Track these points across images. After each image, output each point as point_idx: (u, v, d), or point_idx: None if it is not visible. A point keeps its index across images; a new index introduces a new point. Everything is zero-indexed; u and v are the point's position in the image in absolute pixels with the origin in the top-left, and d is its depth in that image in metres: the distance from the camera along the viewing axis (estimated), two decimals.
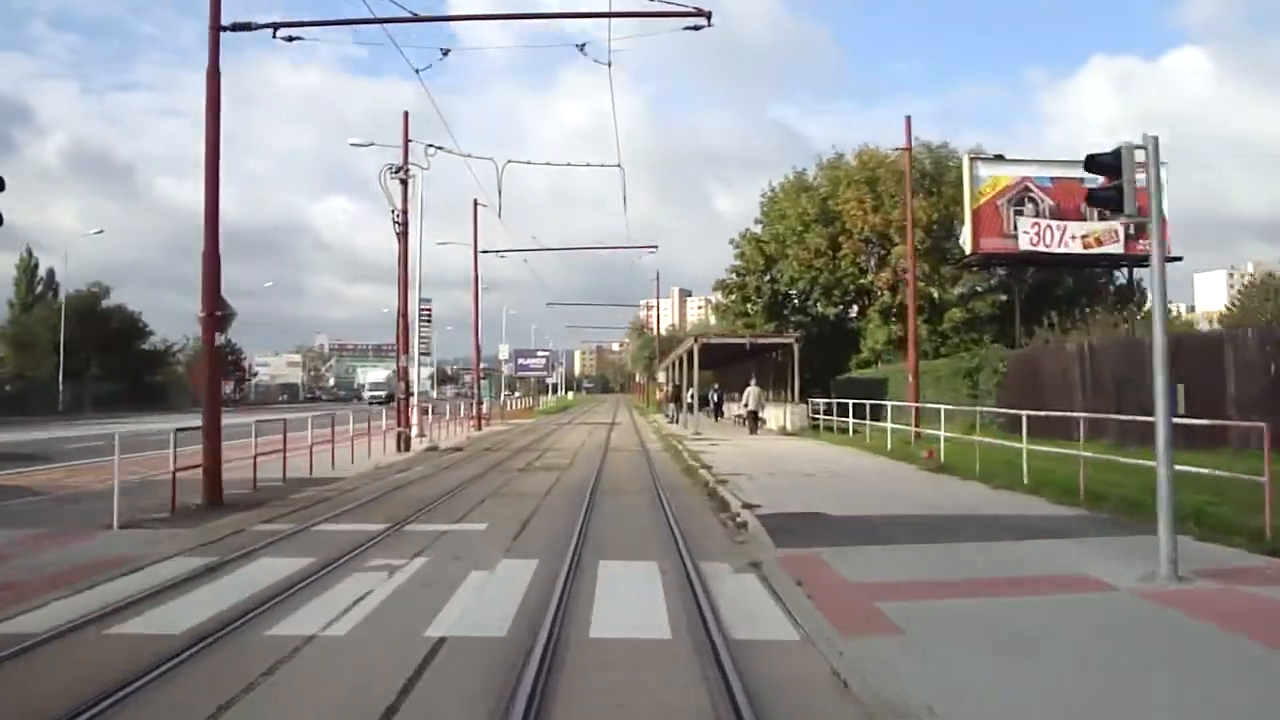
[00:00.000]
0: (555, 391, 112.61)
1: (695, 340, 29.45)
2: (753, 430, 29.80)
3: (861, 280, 38.38)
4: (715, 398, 39.27)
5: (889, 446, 20.65)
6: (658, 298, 64.93)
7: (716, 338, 32.41)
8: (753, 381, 31.29)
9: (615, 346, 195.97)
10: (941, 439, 17.41)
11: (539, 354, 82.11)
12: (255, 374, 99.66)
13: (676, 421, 38.31)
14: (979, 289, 37.61)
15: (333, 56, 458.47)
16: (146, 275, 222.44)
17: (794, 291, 40.11)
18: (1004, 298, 37.52)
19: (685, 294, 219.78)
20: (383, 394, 73.41)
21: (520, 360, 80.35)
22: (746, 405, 30.44)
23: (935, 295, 36.96)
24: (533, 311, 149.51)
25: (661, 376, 58.91)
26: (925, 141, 39.60)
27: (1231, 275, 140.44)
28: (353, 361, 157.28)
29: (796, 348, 29.51)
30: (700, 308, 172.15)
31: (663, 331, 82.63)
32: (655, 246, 35.86)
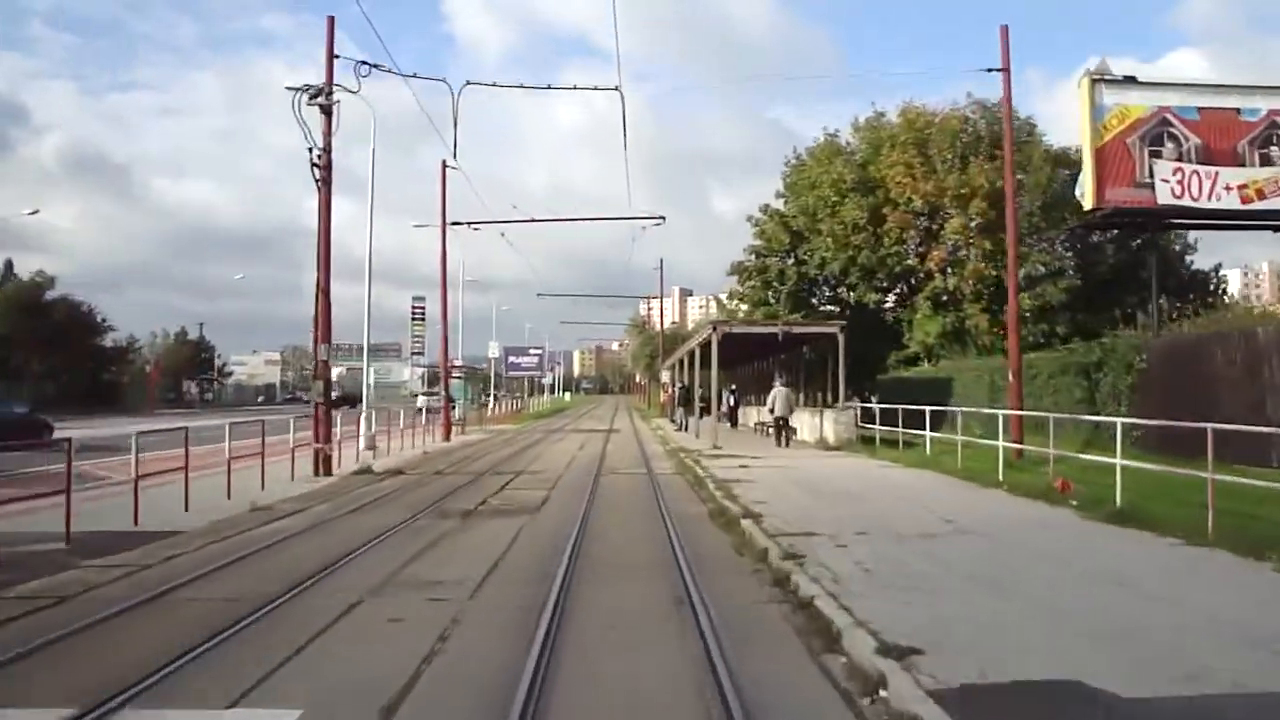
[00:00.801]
0: (551, 392, 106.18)
1: (714, 329, 23.29)
2: (782, 442, 23.75)
3: (908, 261, 32.12)
4: (731, 401, 33.12)
5: (999, 475, 14.48)
6: (661, 287, 58.85)
7: (741, 326, 26.21)
8: (779, 381, 25.21)
9: (615, 346, 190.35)
10: (1119, 470, 11.25)
11: (531, 352, 75.59)
12: (230, 374, 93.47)
13: (685, 429, 32.22)
14: (1043, 268, 31.41)
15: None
16: (144, 275, 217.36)
17: (826, 274, 33.77)
18: (1079, 282, 31.41)
19: (686, 293, 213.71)
20: (332, 395, 66.06)
21: (511, 359, 73.80)
22: (773, 411, 24.32)
23: (998, 278, 30.80)
24: (530, 314, 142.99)
25: (665, 376, 52.75)
26: (979, 99, 33.54)
27: (1246, 274, 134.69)
28: (344, 361, 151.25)
29: (842, 339, 23.38)
30: (702, 307, 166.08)
31: (665, 329, 76.51)
32: (662, 218, 29.71)
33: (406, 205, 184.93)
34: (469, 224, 29.71)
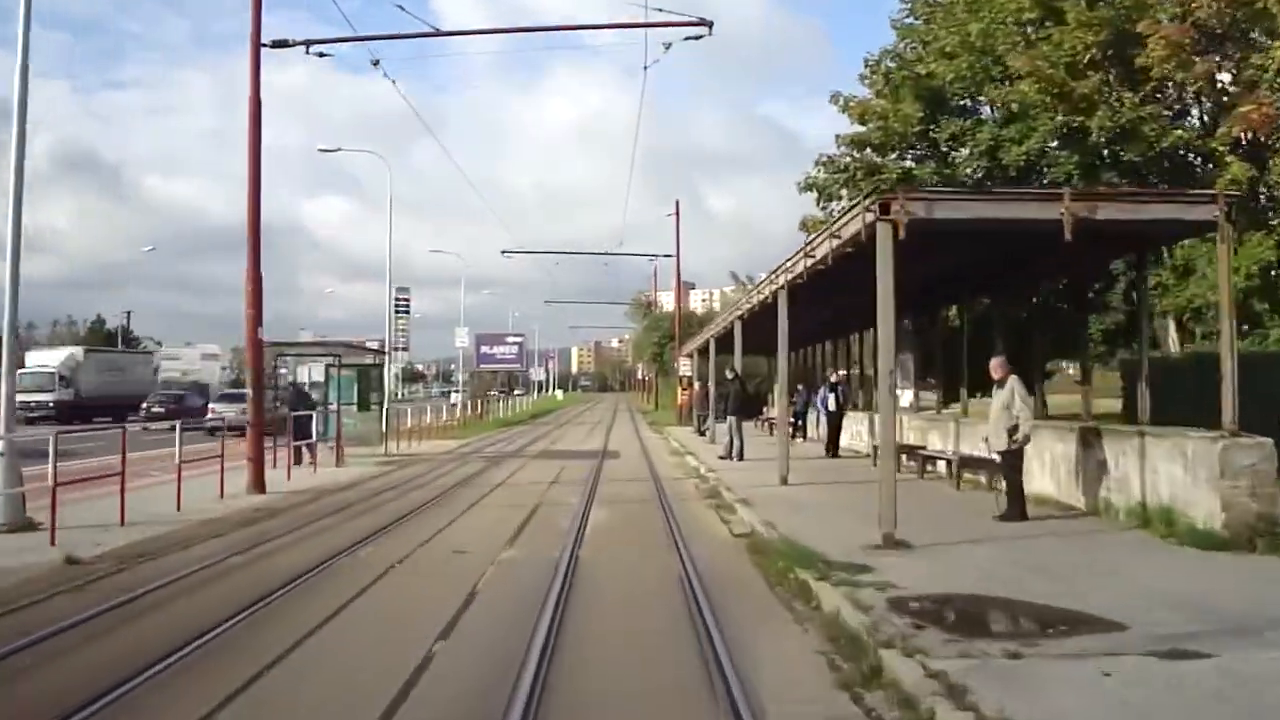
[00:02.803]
0: (542, 390, 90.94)
1: (880, 212, 7.88)
2: (1018, 506, 8.91)
3: (1178, 132, 16.50)
4: (833, 401, 17.69)
5: None
6: (676, 244, 43.46)
7: (953, 206, 9.92)
8: (1001, 366, 10.00)
9: (615, 343, 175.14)
10: None
11: (509, 340, 60.03)
12: (156, 369, 78.21)
13: (736, 454, 16.77)
14: None
15: (314, 54, 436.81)
16: (134, 274, 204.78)
17: (1009, 166, 17.83)
18: None
19: (689, 286, 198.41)
20: (48, 398, 36.71)
21: (484, 349, 58.49)
22: (1021, 436, 9.21)
23: None
24: (527, 315, 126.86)
25: (684, 367, 37.22)
26: None
27: None
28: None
29: (1229, 232, 8.14)
30: (704, 300, 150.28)
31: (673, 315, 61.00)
32: (707, 24, 14.01)
33: (400, 205, 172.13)
34: (305, 43, 14.39)
